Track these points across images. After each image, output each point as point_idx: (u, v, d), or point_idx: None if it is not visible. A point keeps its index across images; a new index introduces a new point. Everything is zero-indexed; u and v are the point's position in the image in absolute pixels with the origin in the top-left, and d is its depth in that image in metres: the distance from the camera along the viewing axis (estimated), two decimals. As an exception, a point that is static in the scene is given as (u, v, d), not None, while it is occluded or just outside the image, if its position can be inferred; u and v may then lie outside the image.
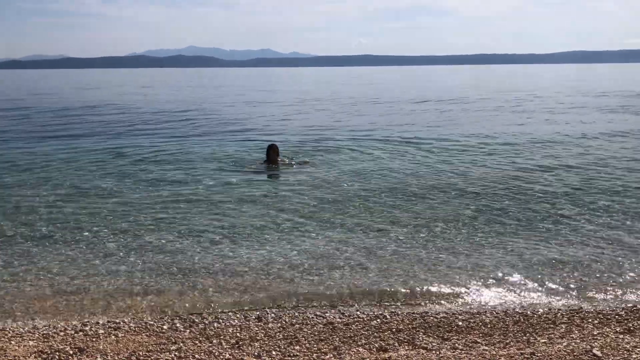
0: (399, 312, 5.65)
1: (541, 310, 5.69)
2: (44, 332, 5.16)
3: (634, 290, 6.23)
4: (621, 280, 6.50)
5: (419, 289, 6.27)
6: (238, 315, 5.60)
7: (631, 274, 6.63)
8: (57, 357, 4.54)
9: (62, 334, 5.11)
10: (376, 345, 4.82)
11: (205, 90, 55.92)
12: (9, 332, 5.16)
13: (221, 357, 4.57)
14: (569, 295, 6.14)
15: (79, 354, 4.61)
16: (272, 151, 13.22)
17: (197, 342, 4.90)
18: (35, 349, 4.67)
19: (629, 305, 5.80)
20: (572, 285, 6.37)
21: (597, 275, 6.64)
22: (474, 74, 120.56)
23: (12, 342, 4.87)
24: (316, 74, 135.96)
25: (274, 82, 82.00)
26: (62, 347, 4.72)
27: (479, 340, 4.92)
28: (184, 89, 59.69)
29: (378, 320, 5.42)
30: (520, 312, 5.64)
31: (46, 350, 4.65)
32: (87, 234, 8.05)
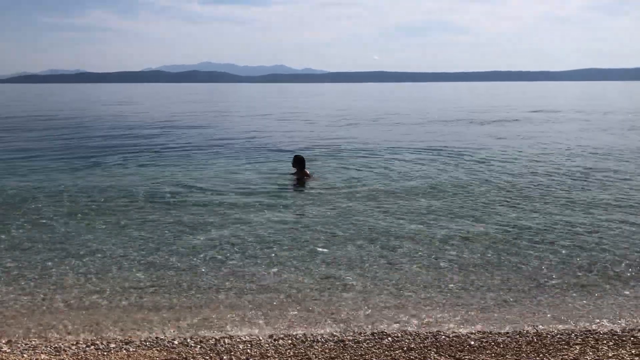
0: (411, 331, 5.60)
1: (555, 330, 5.62)
2: (56, 345, 5.19)
3: (649, 312, 6.13)
4: (636, 302, 6.40)
5: (430, 308, 6.23)
6: (249, 332, 5.59)
7: (647, 295, 6.54)
8: (68, 371, 4.56)
9: (73, 347, 5.14)
10: (387, 364, 4.79)
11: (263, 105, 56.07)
12: (21, 345, 5.20)
13: (231, 373, 4.56)
14: (583, 316, 6.05)
15: (90, 368, 4.62)
16: (296, 163, 13.32)
17: (207, 358, 4.90)
18: (47, 363, 4.70)
19: (645, 327, 5.71)
20: (586, 306, 6.29)
21: (612, 296, 6.55)
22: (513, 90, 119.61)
23: (25, 356, 4.90)
24: (356, 90, 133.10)
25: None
26: (73, 361, 4.74)
27: (491, 361, 4.87)
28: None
29: (389, 338, 5.39)
30: (533, 332, 5.57)
31: (58, 364, 4.68)
32: (100, 248, 8.10)
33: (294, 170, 13.50)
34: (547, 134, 25.03)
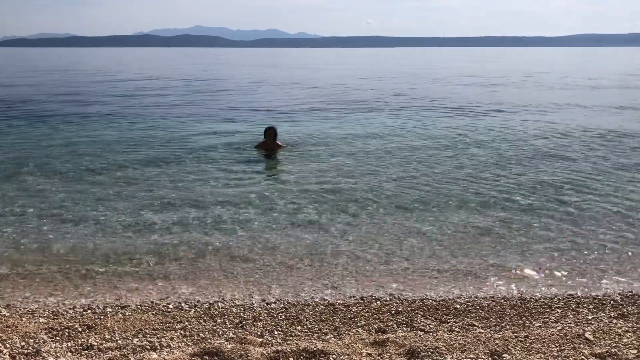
0: (398, 295, 5.78)
1: (538, 294, 5.81)
2: (54, 310, 5.33)
3: (630, 276, 6.33)
4: (618, 266, 6.59)
5: (418, 273, 6.40)
6: (242, 296, 5.75)
7: (628, 261, 6.73)
8: (66, 333, 4.70)
9: (70, 312, 5.28)
10: (375, 326, 4.96)
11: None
12: (20, 309, 5.34)
13: (225, 335, 4.72)
14: (566, 281, 6.24)
15: (87, 330, 4.77)
16: (269, 134, 13.05)
17: (201, 321, 5.05)
18: (46, 326, 4.84)
19: (625, 290, 5.91)
20: (569, 271, 6.47)
21: (595, 261, 6.73)
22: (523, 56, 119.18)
23: (23, 319, 5.04)
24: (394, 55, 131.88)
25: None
26: (71, 324, 4.88)
27: (475, 323, 5.05)
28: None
29: (378, 302, 5.56)
30: (517, 296, 5.76)
31: (56, 327, 4.82)
32: (94, 215, 8.20)
33: (263, 142, 13.13)
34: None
